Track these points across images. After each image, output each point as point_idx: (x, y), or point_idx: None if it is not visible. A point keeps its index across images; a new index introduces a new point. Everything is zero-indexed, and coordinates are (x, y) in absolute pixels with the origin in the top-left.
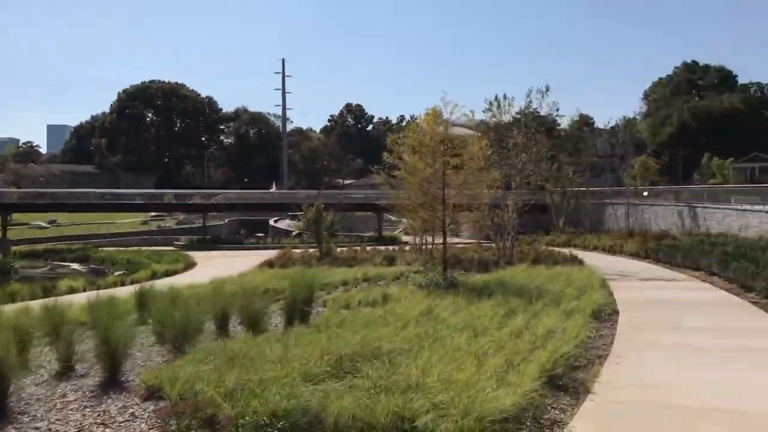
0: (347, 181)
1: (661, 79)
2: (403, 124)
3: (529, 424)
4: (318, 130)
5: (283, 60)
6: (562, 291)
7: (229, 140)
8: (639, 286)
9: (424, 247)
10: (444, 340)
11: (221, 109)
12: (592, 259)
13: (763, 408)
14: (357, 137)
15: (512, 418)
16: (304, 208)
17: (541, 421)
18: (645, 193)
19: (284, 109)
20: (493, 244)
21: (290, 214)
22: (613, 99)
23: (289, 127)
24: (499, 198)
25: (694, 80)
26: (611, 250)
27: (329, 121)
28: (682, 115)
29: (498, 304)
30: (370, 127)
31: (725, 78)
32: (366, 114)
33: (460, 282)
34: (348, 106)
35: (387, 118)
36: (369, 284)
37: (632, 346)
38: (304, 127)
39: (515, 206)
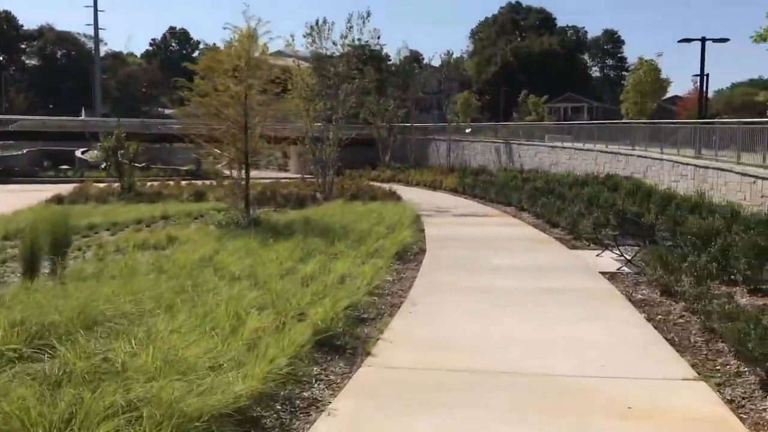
0: (169, 111)
1: (487, 18)
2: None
3: (279, 408)
4: (139, 55)
5: None
6: (371, 229)
7: (33, 62)
8: (452, 222)
9: (242, 181)
10: (209, 294)
11: (22, 26)
12: (413, 194)
13: (567, 368)
14: (182, 64)
15: (250, 408)
16: (101, 137)
17: (297, 402)
18: (468, 130)
19: (96, 28)
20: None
21: (100, 144)
22: (441, 35)
23: (104, 50)
24: (322, 130)
25: (518, 20)
26: (432, 186)
27: (151, 45)
28: (506, 55)
29: (296, 246)
30: (196, 53)
31: (545, 20)
32: (192, 39)
33: (263, 221)
34: (172, 30)
35: (214, 44)
36: (166, 223)
37: (432, 290)
38: (124, 52)
39: (336, 139)
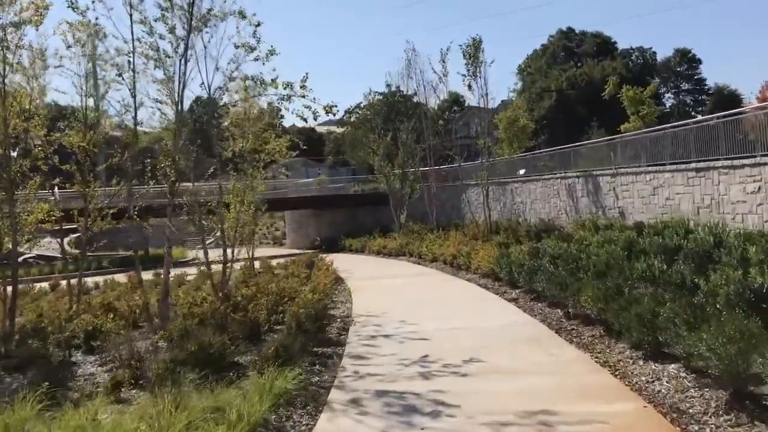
0: None
1: (536, 50)
2: None
3: None
4: None
5: None
6: None
7: None
8: None
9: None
10: None
11: None
12: (396, 297)
13: None
14: None
15: None
16: None
17: None
18: (522, 171)
19: None
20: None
21: None
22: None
23: None
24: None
25: (572, 48)
26: (455, 264)
27: None
28: (561, 85)
29: None
30: None
31: (603, 44)
32: None
33: None
34: None
35: None
36: None
37: None
38: None
39: (248, 201)
